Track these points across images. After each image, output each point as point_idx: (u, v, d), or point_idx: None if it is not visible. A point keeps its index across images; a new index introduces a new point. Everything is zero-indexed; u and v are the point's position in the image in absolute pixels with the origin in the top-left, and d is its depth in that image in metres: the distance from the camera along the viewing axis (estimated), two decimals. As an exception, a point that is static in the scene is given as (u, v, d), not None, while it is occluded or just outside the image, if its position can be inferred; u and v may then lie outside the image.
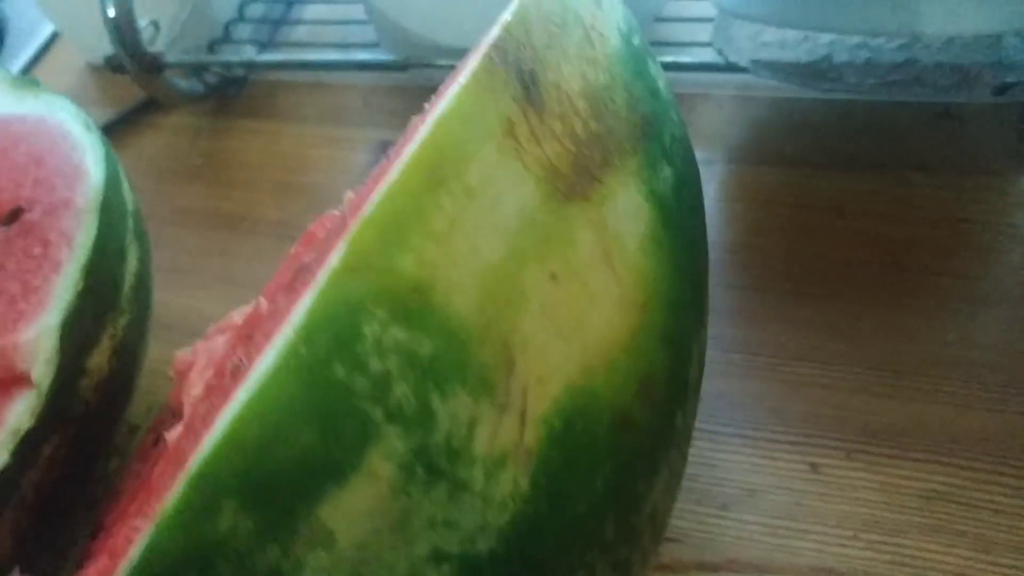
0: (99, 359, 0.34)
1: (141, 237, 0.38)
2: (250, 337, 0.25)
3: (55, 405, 0.32)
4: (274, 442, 0.18)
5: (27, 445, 0.32)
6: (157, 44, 0.54)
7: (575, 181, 0.23)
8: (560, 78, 0.23)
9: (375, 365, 0.19)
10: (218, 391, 0.22)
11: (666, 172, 0.26)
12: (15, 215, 0.34)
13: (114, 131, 0.60)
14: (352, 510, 0.19)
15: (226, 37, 0.60)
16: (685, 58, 0.49)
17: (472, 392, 0.20)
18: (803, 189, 0.47)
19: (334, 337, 0.18)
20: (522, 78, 0.22)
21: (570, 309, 0.22)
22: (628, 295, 0.23)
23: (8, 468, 0.31)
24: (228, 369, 0.23)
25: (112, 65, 0.54)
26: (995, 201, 0.45)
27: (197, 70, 0.57)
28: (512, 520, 0.20)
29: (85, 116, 0.38)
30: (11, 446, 0.31)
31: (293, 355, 0.18)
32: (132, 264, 0.36)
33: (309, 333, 0.18)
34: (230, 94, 0.60)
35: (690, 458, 0.39)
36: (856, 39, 0.39)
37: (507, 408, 0.20)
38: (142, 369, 0.40)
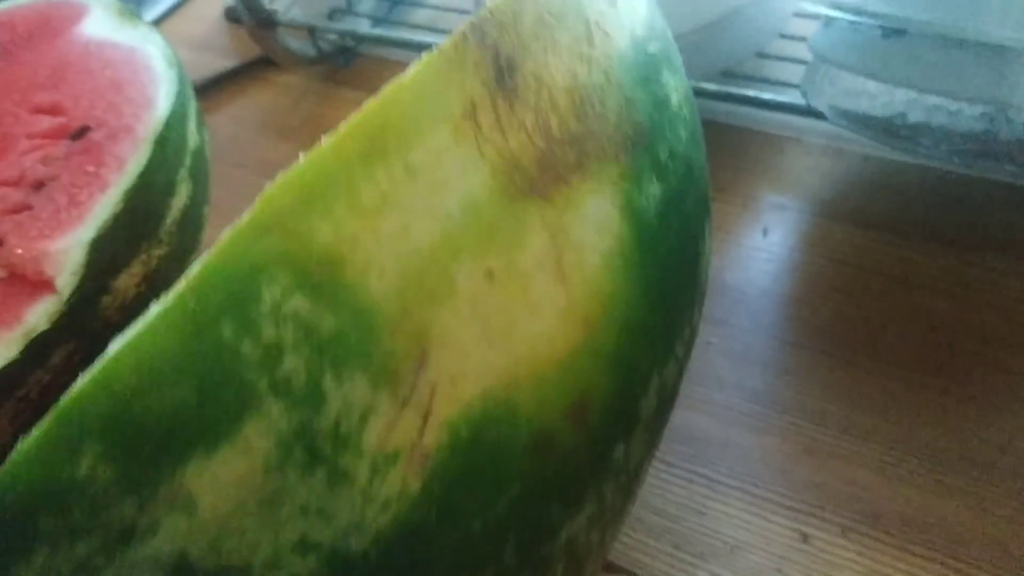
0: (128, 281, 0.34)
1: (198, 176, 0.37)
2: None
3: (73, 315, 0.32)
4: (146, 392, 0.16)
5: (38, 346, 0.32)
6: (277, 3, 0.54)
7: (537, 179, 0.20)
8: (543, 70, 0.21)
9: (268, 332, 0.17)
10: None
11: (654, 188, 0.23)
12: (82, 132, 0.34)
13: (229, 79, 0.60)
14: (219, 479, 0.17)
15: (348, 8, 0.60)
16: (775, 97, 0.46)
17: (372, 380, 0.18)
18: (873, 252, 0.43)
19: (228, 294, 0.17)
20: (497, 62, 0.20)
21: (503, 312, 0.19)
22: (576, 310, 0.21)
23: (14, 363, 0.31)
24: None
25: (230, 16, 0.54)
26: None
27: (311, 34, 0.56)
28: (394, 522, 0.18)
29: (172, 53, 0.38)
30: (22, 344, 0.31)
31: (180, 306, 0.16)
32: (181, 200, 0.36)
33: (201, 285, 0.17)
34: (340, 64, 0.60)
35: (680, 501, 0.36)
36: (935, 100, 0.35)
37: (409, 403, 0.18)
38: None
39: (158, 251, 0.35)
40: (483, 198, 0.19)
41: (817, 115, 0.42)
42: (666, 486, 0.37)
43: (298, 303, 0.17)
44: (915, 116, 0.36)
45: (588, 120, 0.22)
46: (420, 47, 0.55)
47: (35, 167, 0.34)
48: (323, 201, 0.17)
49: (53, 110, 0.35)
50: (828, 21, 0.41)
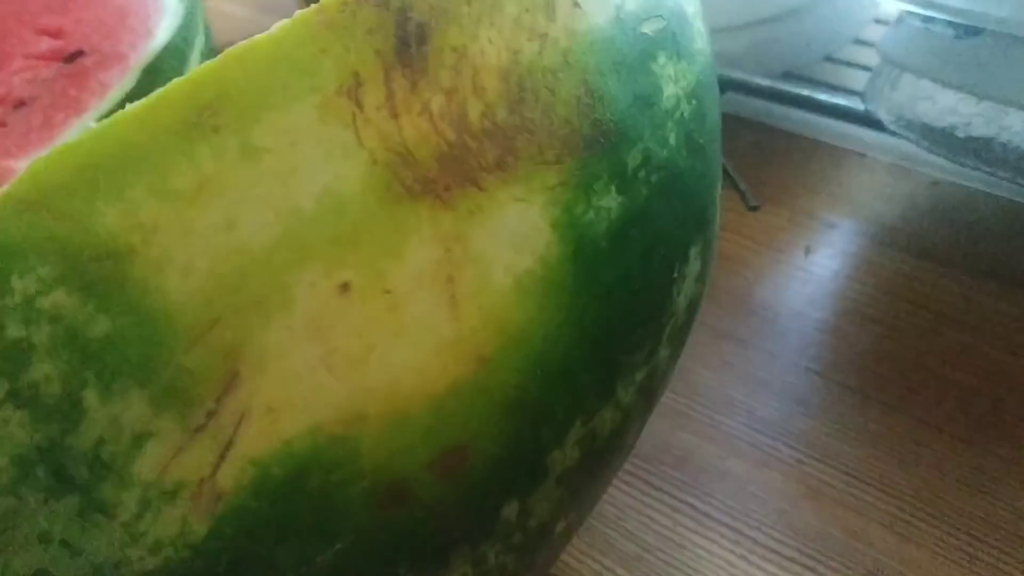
0: None
1: None
2: None
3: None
4: None
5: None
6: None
7: (436, 177, 0.15)
8: (471, 44, 0.16)
9: (14, 331, 0.13)
10: None
11: (609, 201, 0.18)
12: (74, 56, 0.32)
13: None
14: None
15: None
16: (829, 98, 0.39)
17: (152, 400, 0.14)
18: (926, 285, 0.37)
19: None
20: (403, 29, 0.15)
21: (357, 336, 0.15)
22: (467, 341, 0.16)
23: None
24: None
25: None
26: None
27: None
28: (165, 568, 0.14)
29: None
30: None
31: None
32: None
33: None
34: None
35: (660, 530, 0.31)
36: (1006, 112, 0.29)
37: (204, 432, 0.14)
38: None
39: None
40: (351, 195, 0.15)
41: (875, 124, 0.36)
42: (648, 512, 0.32)
43: (60, 299, 0.13)
44: (981, 129, 0.30)
45: (525, 111, 0.16)
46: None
47: (22, 86, 0.31)
48: (112, 180, 0.13)
49: (55, 33, 0.33)
50: (900, 19, 0.34)
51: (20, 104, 0.30)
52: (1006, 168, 0.30)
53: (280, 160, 0.14)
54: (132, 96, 0.32)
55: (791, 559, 0.29)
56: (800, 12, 0.38)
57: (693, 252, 0.21)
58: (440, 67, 0.16)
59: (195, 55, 0.34)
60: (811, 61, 0.42)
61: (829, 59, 0.42)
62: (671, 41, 0.20)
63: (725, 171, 0.32)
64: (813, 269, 0.38)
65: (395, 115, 0.15)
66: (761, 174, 0.42)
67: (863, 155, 0.42)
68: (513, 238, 0.16)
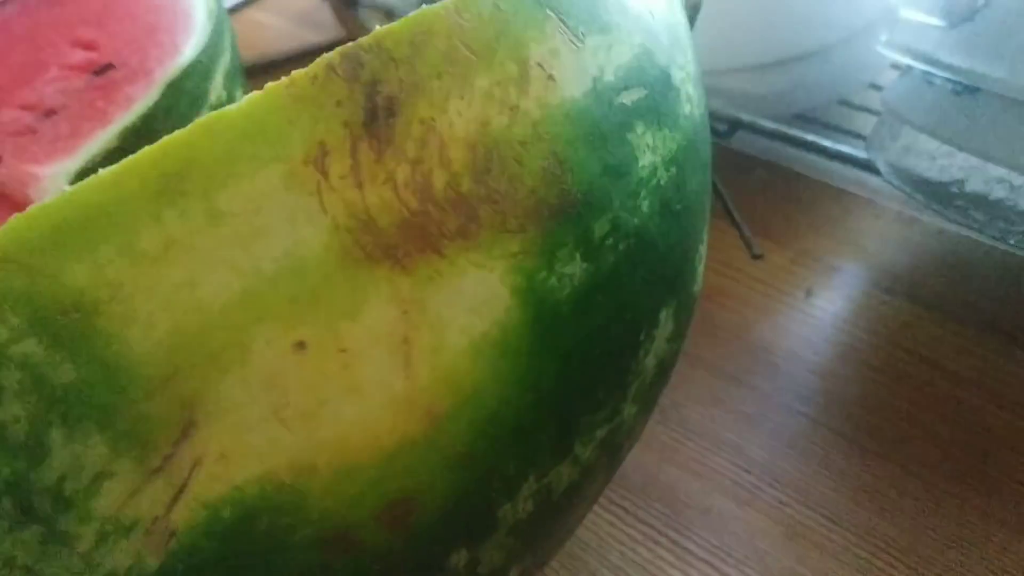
0: None
1: None
2: None
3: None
4: None
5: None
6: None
7: (396, 244, 0.16)
8: (438, 116, 0.17)
9: (-14, 373, 0.14)
10: None
11: (574, 268, 0.18)
12: (105, 69, 0.33)
13: (315, 55, 0.58)
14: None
15: None
16: (833, 144, 0.39)
17: (112, 443, 0.15)
18: (925, 335, 0.37)
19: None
20: (372, 102, 0.16)
21: (309, 391, 0.16)
22: (418, 399, 0.17)
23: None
24: None
25: None
26: None
27: (389, 18, 0.54)
28: (117, 598, 0.15)
29: (217, 7, 0.36)
30: None
31: None
32: None
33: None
34: None
35: (640, 562, 0.32)
36: (999, 171, 0.29)
37: (160, 474, 0.15)
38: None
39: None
40: (311, 258, 0.16)
41: (876, 170, 0.36)
42: (629, 543, 0.32)
43: (29, 348, 0.14)
44: (974, 185, 0.30)
45: (491, 181, 0.17)
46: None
47: (53, 95, 0.33)
48: (83, 240, 0.14)
49: (89, 45, 0.34)
50: (905, 71, 0.34)
51: (50, 113, 0.32)
52: (995, 227, 0.30)
53: (243, 224, 0.15)
54: (153, 112, 0.33)
55: (766, 599, 0.30)
56: (815, 56, 0.38)
57: (664, 314, 0.21)
58: (407, 139, 0.16)
59: (219, 73, 0.35)
60: (825, 103, 0.42)
61: (843, 103, 0.42)
62: (651, 110, 0.20)
63: (731, 216, 0.32)
64: (812, 311, 0.38)
65: (359, 184, 0.16)
66: (768, 213, 0.43)
67: (870, 200, 0.42)
68: (471, 303, 0.17)
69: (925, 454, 0.33)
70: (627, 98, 0.20)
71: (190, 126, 0.15)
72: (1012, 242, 0.30)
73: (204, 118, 0.15)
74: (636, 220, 0.20)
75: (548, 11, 0.18)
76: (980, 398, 0.34)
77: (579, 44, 0.19)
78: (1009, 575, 0.29)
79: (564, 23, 0.18)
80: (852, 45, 0.39)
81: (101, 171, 0.14)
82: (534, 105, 0.18)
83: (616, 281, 0.19)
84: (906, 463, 0.33)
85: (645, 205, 0.20)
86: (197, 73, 0.34)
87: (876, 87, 0.42)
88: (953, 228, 0.40)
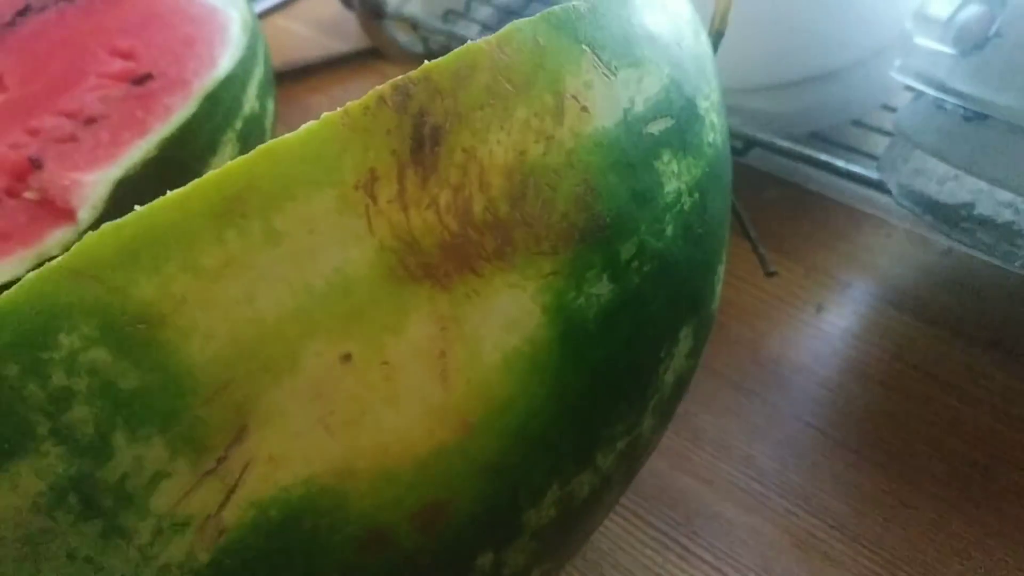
0: None
1: (250, 141, 0.37)
2: None
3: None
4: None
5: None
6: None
7: (437, 264, 0.17)
8: (479, 145, 0.18)
9: (58, 379, 0.15)
10: None
11: (601, 288, 0.19)
12: (144, 79, 0.34)
13: (340, 64, 0.60)
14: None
15: (465, 11, 0.58)
16: (845, 164, 0.40)
17: (171, 445, 0.16)
18: (931, 352, 0.38)
19: (18, 335, 0.15)
20: (419, 132, 0.17)
21: (353, 400, 0.17)
22: (453, 409, 0.18)
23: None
24: None
25: (345, 1, 0.54)
26: None
27: (415, 29, 0.55)
28: (172, 588, 0.16)
29: (251, 19, 0.37)
30: (32, 264, 0.31)
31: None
32: (223, 160, 0.36)
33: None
34: None
35: (648, 564, 0.33)
36: (1006, 195, 0.30)
37: (214, 475, 0.16)
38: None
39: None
40: (359, 276, 0.17)
41: (887, 190, 0.37)
42: (639, 545, 0.33)
43: (99, 356, 0.15)
44: (982, 209, 0.31)
45: (526, 206, 0.18)
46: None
47: (93, 104, 0.34)
48: (152, 256, 0.15)
49: (128, 55, 0.35)
50: (918, 96, 0.35)
51: (91, 121, 0.33)
52: (1001, 249, 0.31)
53: (298, 243, 0.16)
54: (191, 123, 0.34)
55: (770, 605, 0.31)
56: (831, 77, 0.39)
57: (684, 332, 0.23)
58: (450, 166, 0.17)
59: (254, 85, 0.36)
60: (839, 123, 0.43)
61: (857, 123, 0.43)
62: (677, 139, 0.21)
63: (747, 234, 0.33)
64: (823, 326, 0.39)
65: (405, 208, 0.17)
66: (782, 229, 0.44)
67: (882, 219, 0.43)
68: (505, 320, 0.18)
69: (930, 468, 0.34)
70: (655, 127, 0.21)
71: (252, 152, 0.16)
72: (1018, 264, 0.31)
73: (265, 145, 0.16)
74: (660, 244, 0.21)
75: (583, 46, 0.19)
76: (985, 414, 0.35)
77: (612, 77, 0.20)
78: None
79: (598, 57, 0.19)
80: (867, 67, 0.40)
81: (169, 192, 0.15)
82: (568, 135, 0.19)
83: (640, 301, 0.20)
84: (912, 476, 0.34)
85: (669, 229, 0.21)
86: (233, 85, 0.35)
87: (889, 108, 0.43)
88: (961, 248, 0.41)
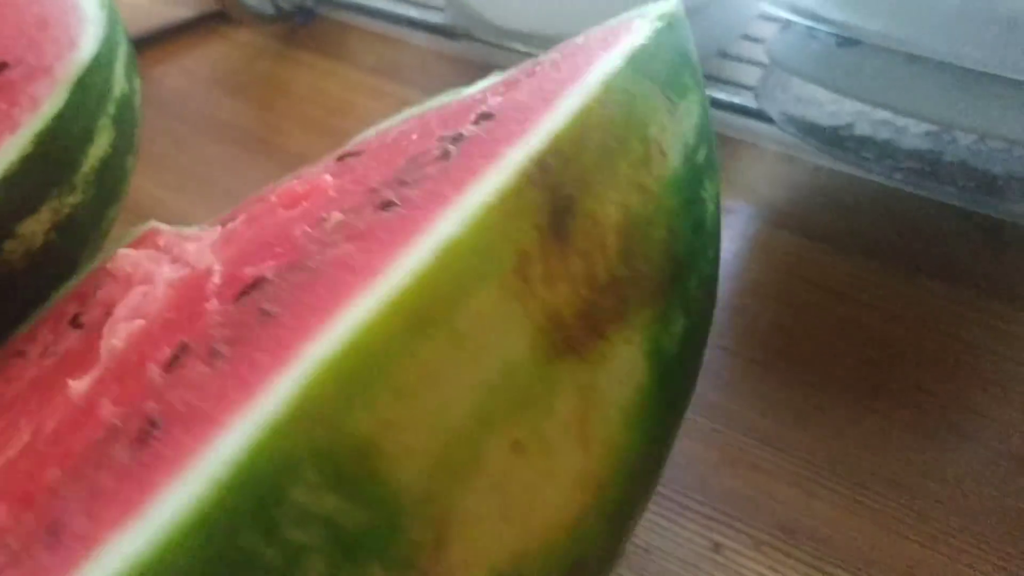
0: (35, 227, 0.33)
1: (123, 125, 0.34)
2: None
3: (-28, 258, 0.30)
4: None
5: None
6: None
7: (576, 335, 0.19)
8: (599, 208, 0.19)
9: (293, 536, 0.15)
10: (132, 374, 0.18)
11: (679, 325, 0.21)
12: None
13: (183, 31, 0.59)
14: None
15: None
16: (728, 97, 0.44)
17: (386, 568, 0.16)
18: (817, 264, 0.43)
19: (254, 500, 0.15)
20: (556, 204, 0.18)
21: (524, 487, 0.18)
22: (591, 472, 0.19)
23: None
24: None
25: None
26: (1017, 335, 0.41)
27: None
28: None
29: None
30: None
31: (201, 518, 0.14)
32: (100, 148, 0.34)
33: (225, 494, 0.14)
34: (298, 23, 0.60)
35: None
36: (882, 114, 0.35)
37: (418, 590, 0.17)
38: (98, 252, 0.37)
39: (71, 198, 0.34)
40: (520, 361, 0.17)
41: (769, 119, 0.42)
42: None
43: (327, 502, 0.15)
44: (861, 129, 0.36)
45: (635, 261, 0.19)
46: (378, 13, 0.55)
47: (-53, 105, 0.30)
48: (363, 386, 0.15)
49: (-29, 45, 0.31)
50: (786, 25, 0.39)
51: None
52: (884, 164, 0.35)
53: (476, 342, 0.17)
54: (64, 112, 0.31)
55: (713, 519, 0.34)
56: (694, 11, 0.42)
57: (704, 353, 0.25)
58: (579, 233, 0.18)
59: (120, 64, 0.33)
60: (705, 58, 0.46)
61: (723, 55, 0.47)
62: (711, 164, 0.23)
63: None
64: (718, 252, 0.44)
65: (550, 284, 0.18)
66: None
67: (755, 145, 0.48)
68: (622, 376, 0.20)
69: (834, 373, 0.39)
70: (700, 156, 0.22)
71: (432, 255, 0.16)
72: (898, 177, 0.36)
73: (438, 247, 0.16)
74: (708, 271, 0.23)
75: (650, 82, 0.21)
76: (873, 317, 0.41)
77: (674, 113, 0.21)
78: (917, 469, 0.36)
79: (664, 94, 0.21)
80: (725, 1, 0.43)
81: (358, 319, 0.15)
82: (654, 182, 0.20)
83: (698, 329, 0.23)
84: (819, 381, 0.39)
85: (711, 254, 0.23)
86: (101, 67, 0.32)
87: (749, 38, 0.47)
88: (828, 164, 0.47)
